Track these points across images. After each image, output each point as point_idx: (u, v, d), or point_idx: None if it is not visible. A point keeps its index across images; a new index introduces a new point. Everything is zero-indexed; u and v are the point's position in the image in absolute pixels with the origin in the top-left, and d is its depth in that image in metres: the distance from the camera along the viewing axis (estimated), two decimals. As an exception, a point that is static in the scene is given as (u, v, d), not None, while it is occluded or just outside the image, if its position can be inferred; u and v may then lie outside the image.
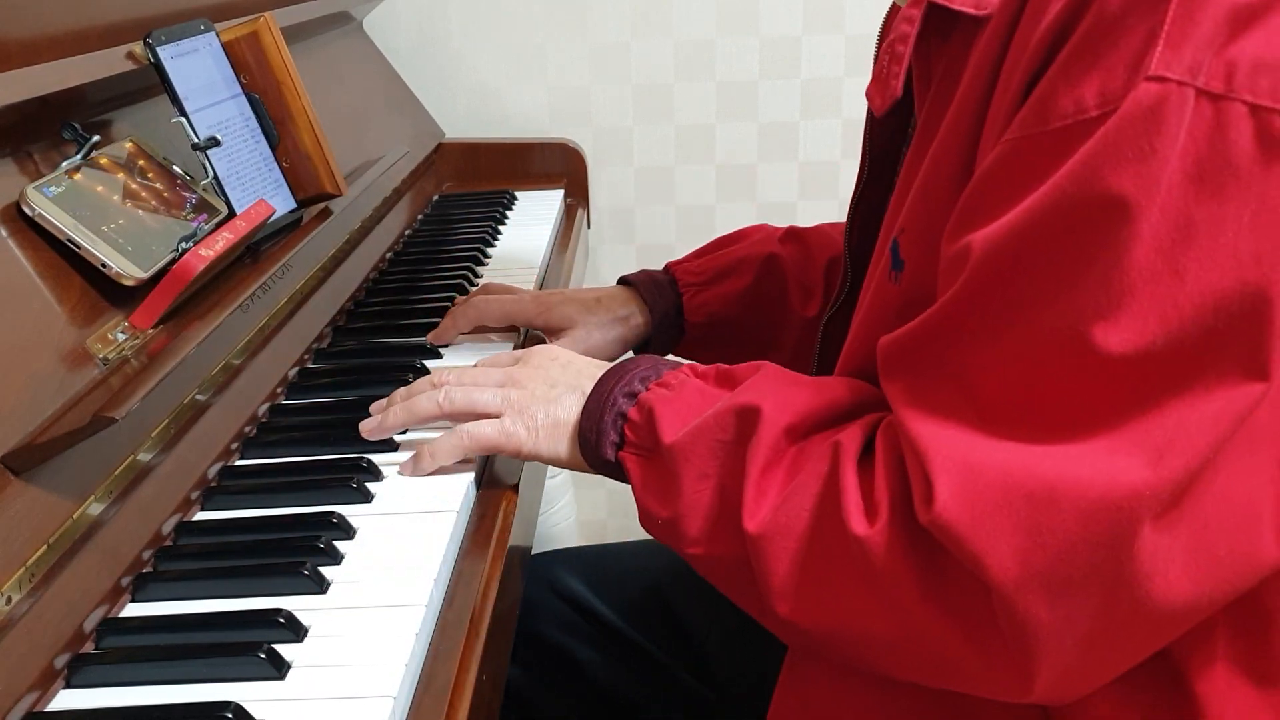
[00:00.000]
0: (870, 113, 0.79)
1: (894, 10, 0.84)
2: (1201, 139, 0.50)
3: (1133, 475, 0.51)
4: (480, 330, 1.03)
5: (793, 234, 1.08)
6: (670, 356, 1.10)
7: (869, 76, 0.82)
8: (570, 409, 0.76)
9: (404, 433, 0.85)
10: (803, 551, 0.61)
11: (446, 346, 1.01)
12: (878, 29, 0.82)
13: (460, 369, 0.82)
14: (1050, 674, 0.55)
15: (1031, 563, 0.53)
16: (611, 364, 0.77)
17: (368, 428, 0.81)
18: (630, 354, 0.81)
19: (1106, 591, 0.53)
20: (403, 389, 0.83)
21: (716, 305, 1.05)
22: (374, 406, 0.84)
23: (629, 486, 0.72)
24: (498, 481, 0.82)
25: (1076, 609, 0.53)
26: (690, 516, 0.67)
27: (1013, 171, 0.54)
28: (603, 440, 0.72)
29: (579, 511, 1.85)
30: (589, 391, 0.75)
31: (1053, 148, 0.52)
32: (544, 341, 1.01)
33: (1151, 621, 0.54)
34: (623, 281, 1.08)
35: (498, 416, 0.77)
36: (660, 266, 1.09)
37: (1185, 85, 0.50)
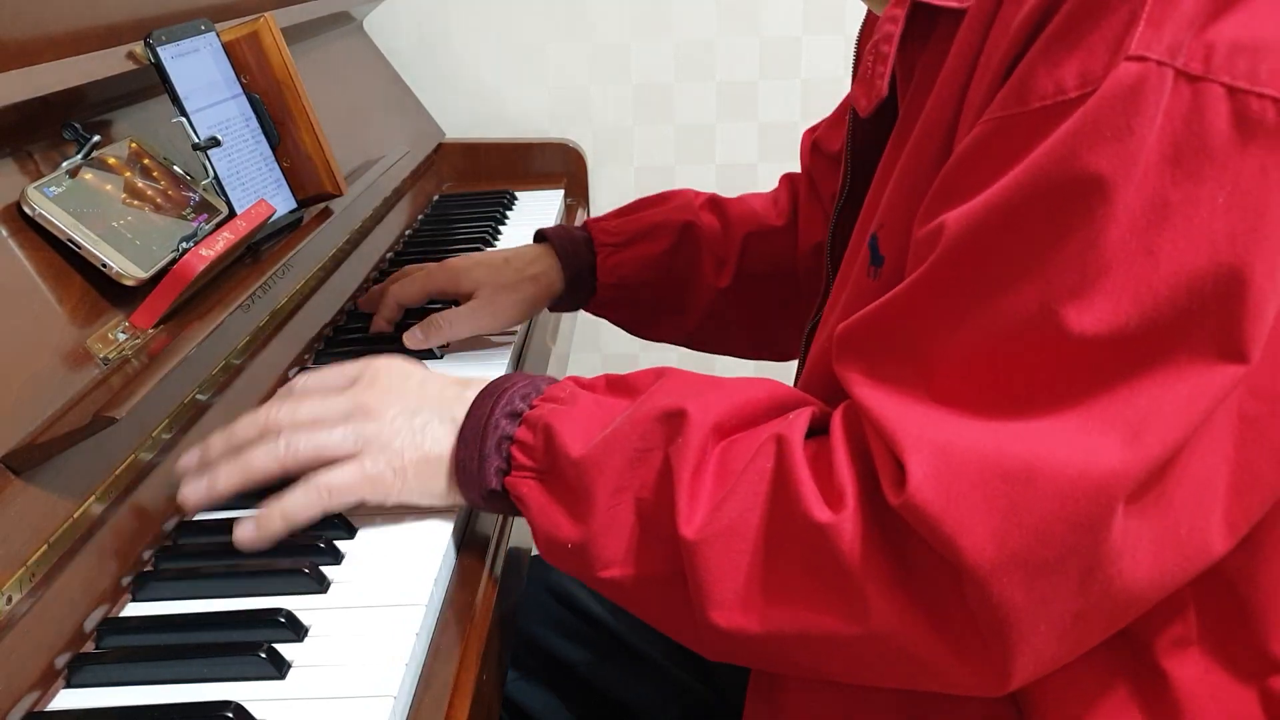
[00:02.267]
0: (854, 117, 0.78)
1: (871, 16, 0.85)
2: (1179, 120, 0.50)
3: (1110, 455, 0.51)
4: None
5: (714, 203, 1.09)
6: (582, 312, 1.13)
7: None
8: (441, 440, 0.69)
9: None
10: (752, 552, 0.58)
11: (446, 348, 1.01)
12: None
13: (292, 400, 0.71)
14: (1025, 660, 0.54)
15: (1008, 544, 0.52)
16: (477, 383, 0.71)
17: (194, 493, 0.70)
18: (508, 365, 0.78)
19: (1082, 573, 0.52)
20: (218, 436, 0.72)
21: (629, 268, 1.06)
22: (183, 463, 0.72)
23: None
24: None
25: (1052, 591, 0.53)
26: (607, 535, 0.62)
27: (990, 151, 0.54)
28: (485, 467, 0.67)
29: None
30: (461, 418, 0.68)
31: (1031, 128, 0.52)
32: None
33: (1118, 604, 0.54)
34: (539, 237, 1.09)
35: (351, 460, 0.68)
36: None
37: (1165, 65, 0.50)
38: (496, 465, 0.67)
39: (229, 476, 0.69)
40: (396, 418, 0.69)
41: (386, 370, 0.73)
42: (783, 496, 0.58)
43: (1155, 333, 0.51)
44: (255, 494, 0.77)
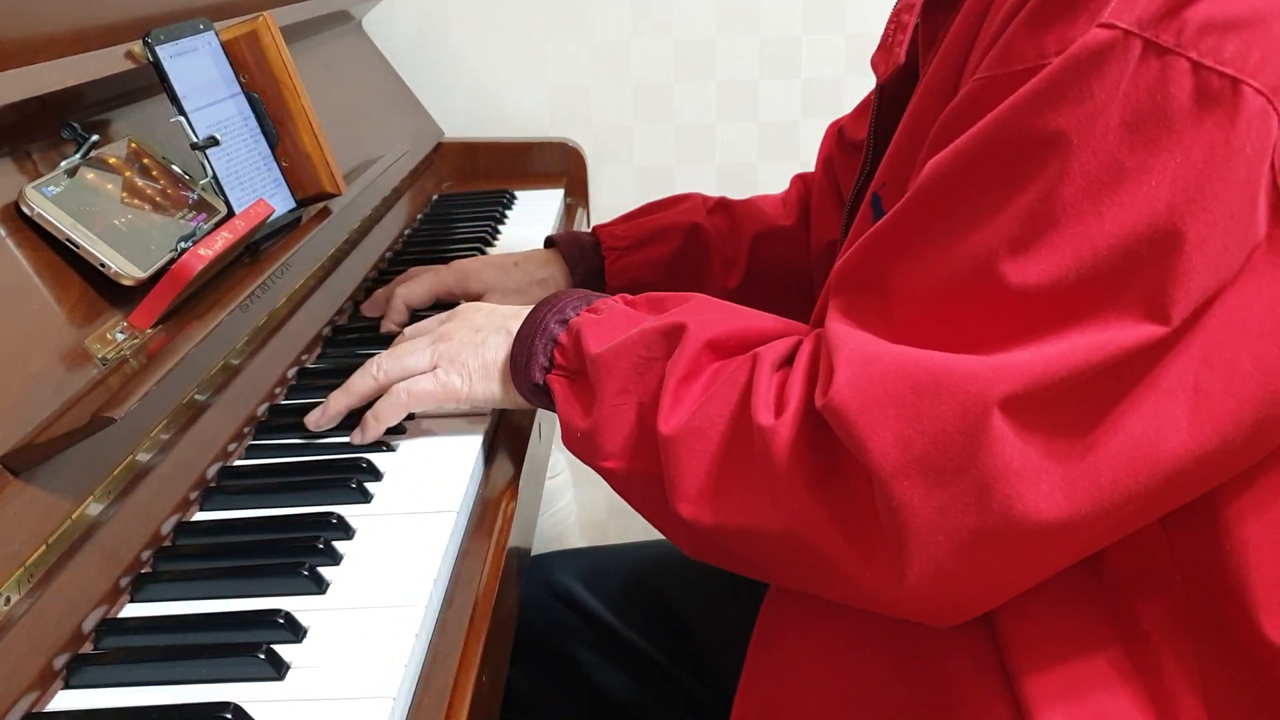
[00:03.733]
0: (879, 96, 0.79)
1: None
2: (1143, 89, 0.52)
3: (1005, 370, 0.54)
4: None
5: (722, 205, 1.10)
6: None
7: (869, 77, 0.82)
8: (499, 348, 0.79)
9: (401, 432, 0.85)
10: (712, 451, 0.64)
11: None
12: (877, 29, 0.81)
13: (398, 349, 0.84)
14: (921, 568, 0.56)
15: (910, 449, 0.55)
16: (538, 301, 0.80)
17: (312, 420, 0.83)
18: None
19: (979, 488, 0.54)
20: (339, 393, 0.84)
21: (638, 271, 1.07)
22: (311, 417, 0.85)
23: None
24: (497, 482, 0.82)
25: (949, 501, 0.55)
26: (608, 429, 0.69)
27: (973, 110, 0.56)
28: (532, 363, 0.76)
29: (579, 512, 1.85)
30: (515, 329, 0.78)
31: (1009, 89, 0.54)
32: None
33: (1024, 532, 0.55)
34: (548, 243, 1.10)
35: (428, 372, 0.80)
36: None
37: (1132, 35, 0.52)
38: (541, 363, 0.75)
39: (337, 398, 0.82)
40: (464, 335, 0.81)
41: (465, 307, 0.85)
42: (741, 404, 0.63)
43: (1091, 288, 0.53)
44: (255, 494, 0.77)
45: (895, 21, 0.67)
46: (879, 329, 0.59)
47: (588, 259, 1.07)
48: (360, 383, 0.82)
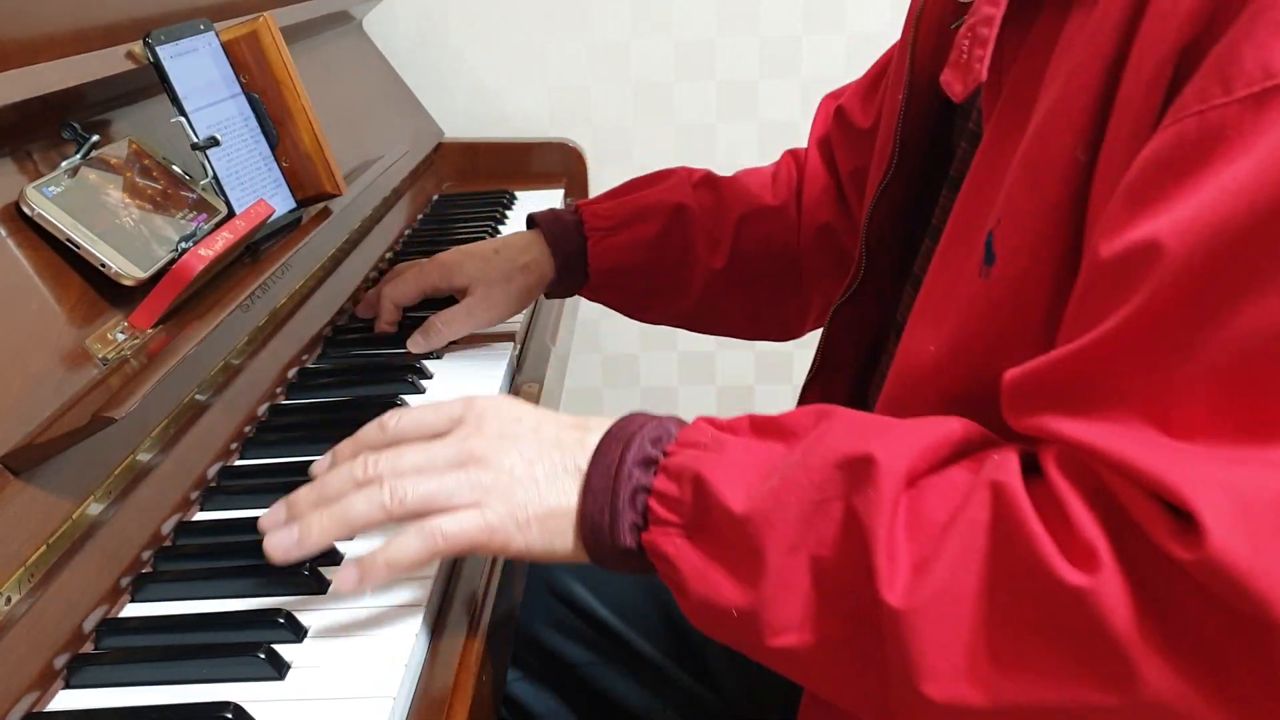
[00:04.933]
0: (908, 95, 0.77)
1: (927, 3, 0.80)
2: None
3: None
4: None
5: (708, 181, 1.07)
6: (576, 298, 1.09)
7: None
8: (568, 492, 0.62)
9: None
10: (975, 617, 0.51)
11: (446, 347, 1.01)
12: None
13: (391, 450, 0.64)
14: None
15: None
16: (597, 426, 0.64)
17: (280, 546, 0.62)
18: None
19: None
20: (306, 490, 0.64)
21: (621, 253, 1.04)
22: (267, 519, 0.64)
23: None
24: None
25: None
26: (780, 599, 0.55)
27: (1195, 149, 0.48)
28: (619, 524, 0.60)
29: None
30: (586, 467, 0.62)
31: (1241, 118, 0.46)
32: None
33: None
34: (531, 222, 1.07)
35: (469, 506, 0.61)
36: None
37: None
38: (631, 520, 0.60)
39: (324, 528, 0.61)
40: (515, 466, 0.62)
41: (495, 412, 0.65)
42: (1011, 554, 0.51)
43: None
44: (255, 494, 0.77)
45: (970, 35, 0.60)
46: (1210, 438, 0.48)
47: (570, 239, 1.04)
48: (363, 511, 0.61)
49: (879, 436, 0.56)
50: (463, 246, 1.07)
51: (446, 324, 1.00)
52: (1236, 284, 0.47)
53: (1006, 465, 0.53)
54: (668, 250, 1.04)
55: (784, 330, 1.12)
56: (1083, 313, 0.52)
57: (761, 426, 0.61)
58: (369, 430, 0.67)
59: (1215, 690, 0.48)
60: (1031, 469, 0.54)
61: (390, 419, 0.66)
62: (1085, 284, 0.53)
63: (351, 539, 0.69)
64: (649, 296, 1.08)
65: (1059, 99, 0.56)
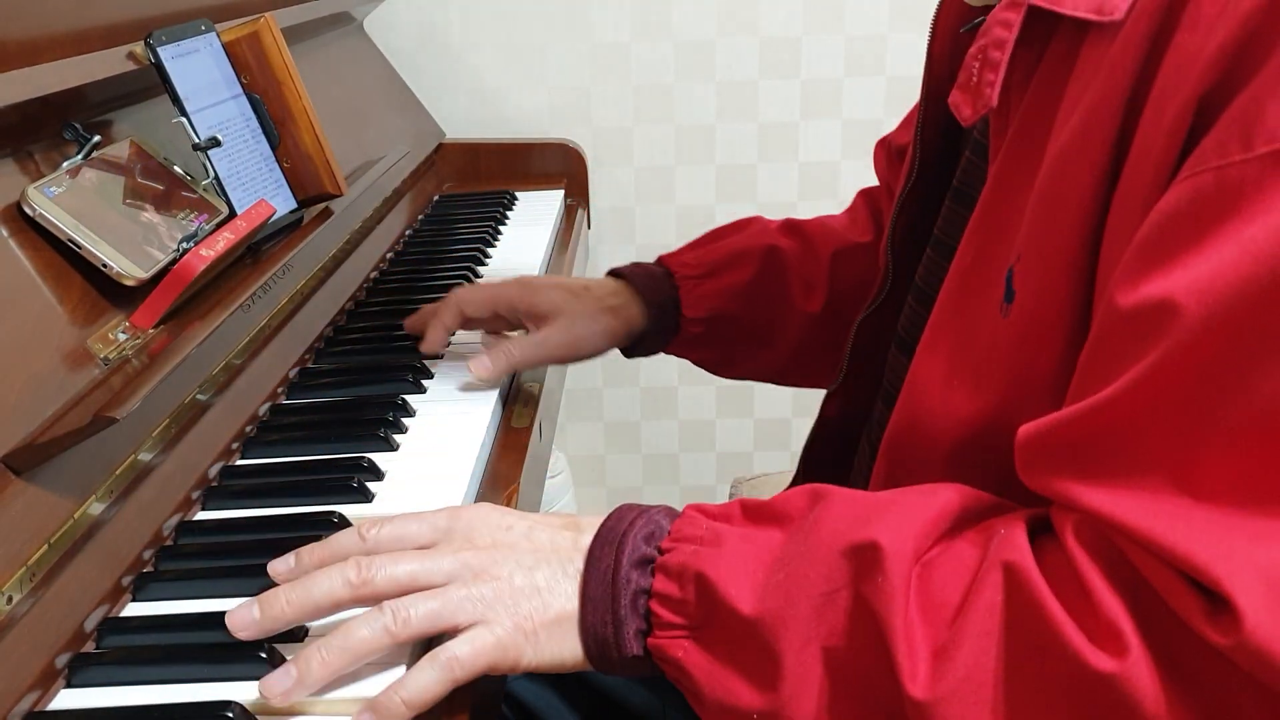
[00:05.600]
0: (925, 108, 0.76)
1: (944, 4, 0.79)
2: None
3: None
4: (472, 341, 1.01)
5: (791, 226, 1.03)
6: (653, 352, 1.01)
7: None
8: (570, 596, 0.59)
9: (403, 431, 0.85)
10: (1006, 704, 0.50)
11: (441, 356, 0.99)
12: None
13: (387, 556, 0.60)
14: None
15: None
16: (588, 526, 0.62)
17: (279, 688, 0.56)
18: (601, 515, 0.63)
19: None
20: (282, 591, 0.59)
21: (716, 299, 0.99)
22: (238, 618, 0.59)
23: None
24: (498, 481, 0.82)
25: None
26: (801, 697, 0.53)
27: (1212, 206, 0.46)
28: (623, 633, 0.58)
29: (579, 512, 1.85)
30: (582, 570, 0.59)
31: (1262, 176, 0.45)
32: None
33: None
34: (614, 274, 1.01)
35: (475, 626, 0.58)
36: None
37: None
38: (636, 627, 0.58)
39: (326, 662, 0.57)
40: (515, 575, 0.59)
41: (483, 521, 0.63)
42: (1032, 639, 0.50)
43: None
44: (256, 494, 0.77)
45: (981, 58, 0.58)
46: (1238, 513, 0.46)
47: (660, 288, 0.98)
48: (366, 637, 0.57)
49: (880, 518, 0.55)
50: (547, 275, 1.01)
51: (521, 351, 0.92)
52: (1257, 347, 0.45)
53: (1015, 541, 0.52)
54: (762, 296, 0.99)
55: None
56: (1098, 365, 0.51)
57: (755, 513, 0.60)
58: (345, 538, 0.62)
59: None
60: (1040, 529, 0.53)
61: (369, 529, 0.62)
62: (1100, 334, 0.52)
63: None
64: (742, 346, 1.02)
65: (1075, 135, 0.54)
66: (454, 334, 0.98)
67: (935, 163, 0.79)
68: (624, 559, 0.58)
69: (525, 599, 0.59)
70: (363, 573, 0.59)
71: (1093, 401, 0.49)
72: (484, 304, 0.96)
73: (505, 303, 0.95)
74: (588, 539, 0.61)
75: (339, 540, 0.62)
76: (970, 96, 0.60)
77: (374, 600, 0.58)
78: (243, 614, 0.59)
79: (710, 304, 0.98)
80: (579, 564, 0.60)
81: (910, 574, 0.53)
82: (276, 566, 0.62)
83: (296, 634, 0.62)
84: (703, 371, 1.08)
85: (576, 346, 0.94)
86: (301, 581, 0.59)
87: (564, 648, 0.59)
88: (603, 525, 0.61)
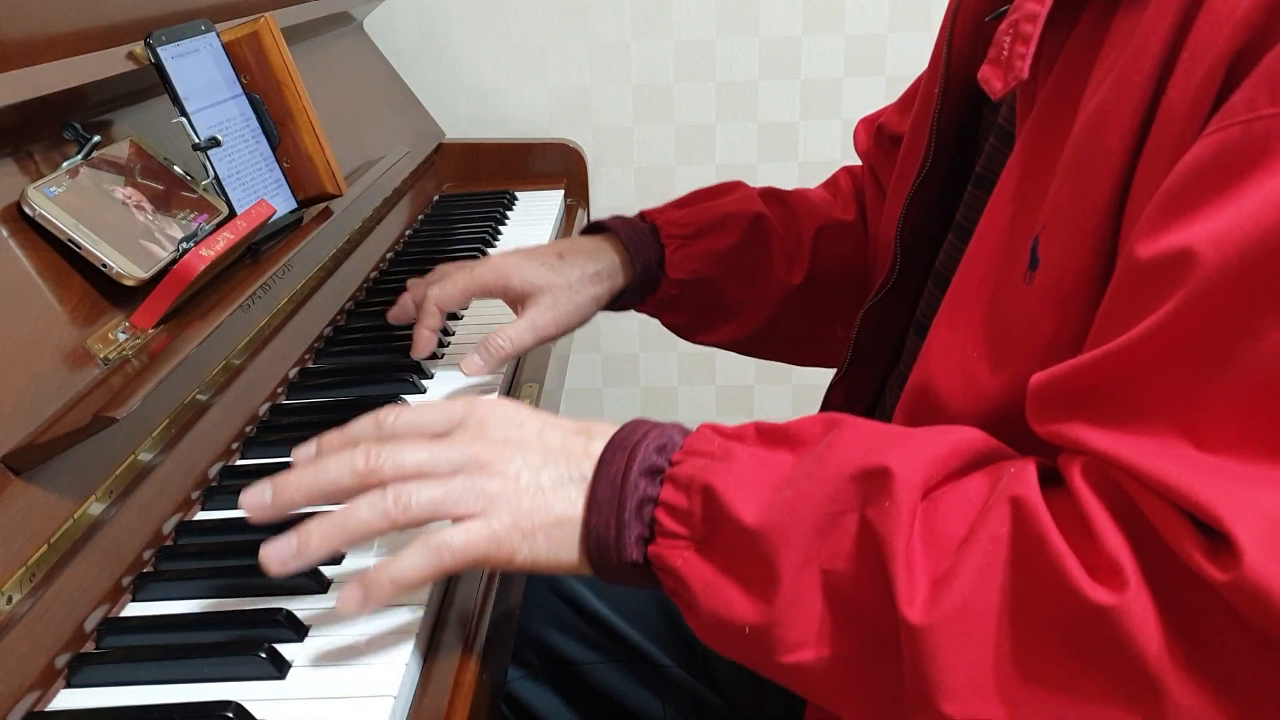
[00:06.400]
0: (944, 91, 0.76)
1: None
2: None
3: None
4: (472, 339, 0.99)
5: (775, 195, 1.01)
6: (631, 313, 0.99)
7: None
8: (574, 501, 0.59)
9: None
10: (997, 634, 0.50)
11: (434, 357, 0.99)
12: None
13: (392, 444, 0.60)
14: None
15: None
16: (601, 432, 0.62)
17: (277, 557, 0.59)
18: (617, 423, 0.63)
19: None
20: (293, 475, 0.60)
21: (700, 262, 0.96)
22: (250, 497, 0.61)
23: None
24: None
25: None
26: (795, 614, 0.54)
27: (1239, 159, 0.46)
28: (625, 536, 0.58)
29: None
30: (590, 476, 0.60)
31: None
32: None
33: None
34: (596, 226, 0.97)
35: (474, 518, 0.59)
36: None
37: None
38: (638, 533, 0.58)
39: (325, 536, 0.58)
40: (521, 473, 0.60)
41: (498, 416, 0.63)
42: (1033, 571, 0.50)
43: None
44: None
45: (1012, 32, 0.58)
46: (1245, 456, 0.47)
47: (647, 247, 0.94)
48: (366, 518, 0.58)
49: (893, 447, 0.55)
50: (520, 249, 0.95)
51: (510, 340, 0.90)
52: (1271, 300, 0.45)
53: (1025, 478, 0.52)
54: (746, 262, 0.97)
55: (836, 356, 1.04)
56: (1115, 315, 0.52)
57: (769, 434, 0.60)
58: (363, 424, 0.63)
59: (1241, 711, 0.47)
60: (1050, 480, 0.54)
61: (387, 415, 0.63)
62: (1119, 285, 0.52)
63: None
64: (716, 313, 1.00)
65: (1106, 100, 0.54)
66: (441, 328, 0.96)
67: (947, 153, 0.78)
68: (634, 466, 0.58)
69: (528, 497, 0.59)
70: (370, 461, 0.59)
71: (1107, 349, 0.50)
72: (461, 296, 0.94)
73: (481, 289, 0.93)
74: (599, 445, 0.61)
75: (358, 426, 0.63)
76: (1001, 70, 0.60)
77: (380, 487, 0.59)
78: (255, 495, 0.60)
79: (692, 266, 0.96)
80: (586, 469, 0.60)
81: (917, 503, 0.53)
82: (299, 451, 0.64)
83: (300, 633, 0.62)
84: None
85: (563, 322, 0.93)
86: (312, 467, 0.60)
87: (561, 550, 0.59)
88: (616, 434, 0.61)
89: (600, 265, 0.93)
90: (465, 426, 0.63)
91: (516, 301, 0.93)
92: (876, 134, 1.01)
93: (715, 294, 0.98)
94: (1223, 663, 0.47)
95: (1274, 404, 0.46)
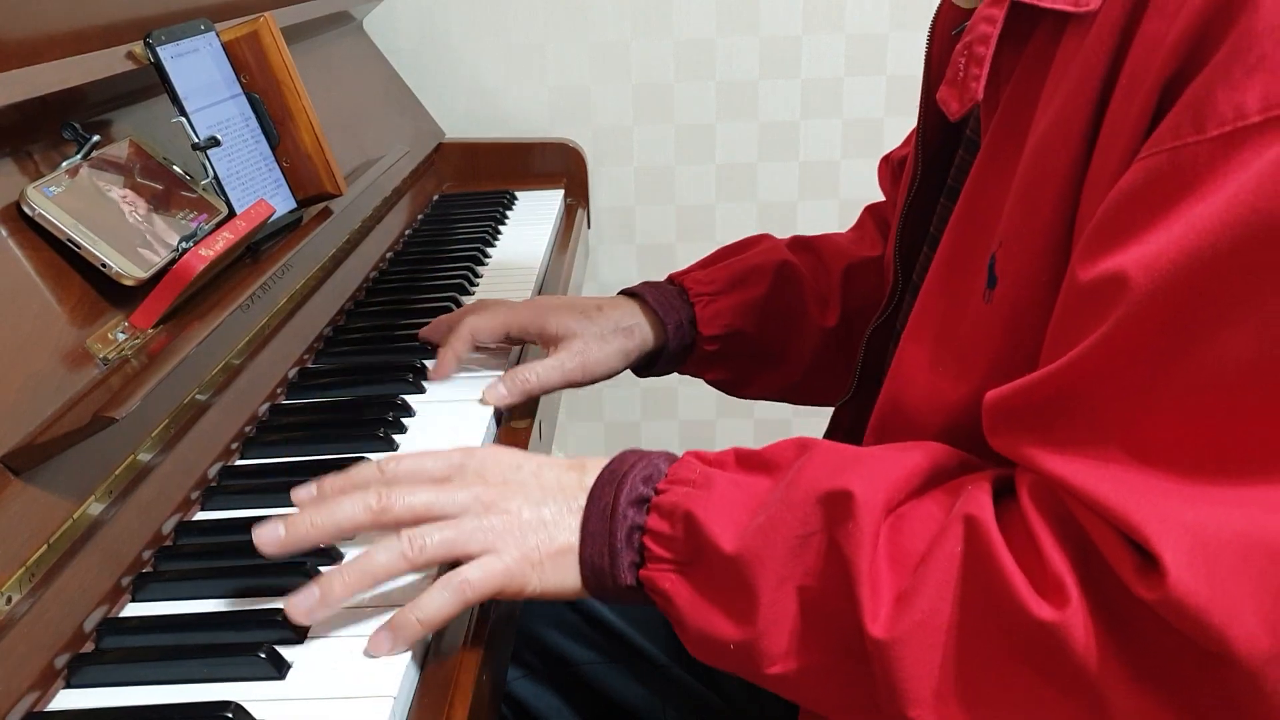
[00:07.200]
0: (926, 113, 0.77)
1: (945, 6, 0.80)
2: None
3: None
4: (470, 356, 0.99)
5: (801, 243, 1.04)
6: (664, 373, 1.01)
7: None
8: (573, 530, 0.64)
9: (404, 430, 0.84)
10: (952, 647, 0.53)
11: (433, 357, 0.99)
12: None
13: (404, 487, 0.65)
14: None
15: None
16: (592, 466, 0.67)
17: (303, 607, 0.61)
18: (606, 458, 0.68)
19: None
20: (311, 511, 0.64)
21: (732, 316, 0.98)
22: (265, 535, 0.63)
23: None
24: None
25: None
26: (774, 631, 0.58)
27: (1166, 185, 0.49)
28: (618, 563, 0.62)
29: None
30: (584, 507, 0.64)
31: (1212, 157, 0.47)
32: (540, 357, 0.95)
33: None
34: (627, 294, 1.01)
35: (486, 554, 0.63)
36: (661, 271, 1.04)
37: None
38: (630, 559, 0.62)
39: (347, 583, 0.62)
40: (523, 509, 0.64)
41: (495, 460, 0.68)
42: (984, 588, 0.53)
43: None
44: (256, 494, 0.77)
45: (967, 54, 0.60)
46: (1171, 476, 0.49)
47: (676, 307, 0.97)
48: (386, 561, 0.62)
49: (856, 469, 0.58)
50: (558, 296, 1.01)
51: (537, 376, 0.92)
52: (1198, 320, 0.48)
53: (979, 498, 0.55)
54: (778, 311, 0.99)
55: None
56: (1060, 336, 0.54)
57: (747, 460, 0.64)
58: (366, 469, 0.67)
59: (1182, 712, 0.50)
60: (1005, 490, 0.56)
61: (389, 463, 0.67)
62: (1063, 307, 0.54)
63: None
64: (757, 365, 1.02)
65: (1054, 123, 0.56)
66: (465, 357, 0.97)
67: (936, 168, 0.79)
68: (622, 497, 0.63)
69: (532, 532, 0.63)
70: (383, 500, 0.64)
71: (1050, 369, 0.52)
72: (497, 330, 0.96)
73: (518, 327, 0.96)
74: (591, 479, 0.65)
75: (359, 471, 0.67)
76: (957, 91, 0.62)
77: (392, 526, 0.63)
78: (269, 531, 0.63)
79: (726, 320, 0.98)
80: (582, 501, 0.64)
81: (880, 522, 0.56)
82: (299, 493, 0.67)
83: (300, 634, 0.62)
84: (741, 405, 1.07)
85: (591, 369, 0.95)
86: (326, 505, 0.64)
87: (566, 577, 0.64)
88: (605, 467, 0.66)
89: (631, 322, 0.96)
90: (465, 471, 0.67)
91: (548, 342, 0.95)
92: (891, 167, 1.02)
93: (752, 346, 1.00)
94: (1163, 674, 0.50)
95: (1204, 422, 0.48)
